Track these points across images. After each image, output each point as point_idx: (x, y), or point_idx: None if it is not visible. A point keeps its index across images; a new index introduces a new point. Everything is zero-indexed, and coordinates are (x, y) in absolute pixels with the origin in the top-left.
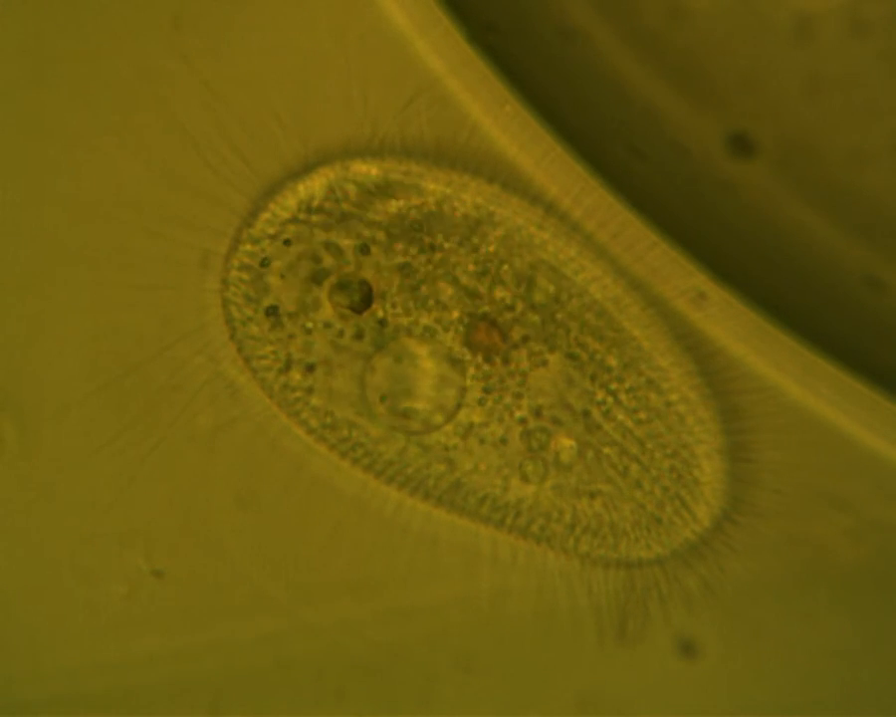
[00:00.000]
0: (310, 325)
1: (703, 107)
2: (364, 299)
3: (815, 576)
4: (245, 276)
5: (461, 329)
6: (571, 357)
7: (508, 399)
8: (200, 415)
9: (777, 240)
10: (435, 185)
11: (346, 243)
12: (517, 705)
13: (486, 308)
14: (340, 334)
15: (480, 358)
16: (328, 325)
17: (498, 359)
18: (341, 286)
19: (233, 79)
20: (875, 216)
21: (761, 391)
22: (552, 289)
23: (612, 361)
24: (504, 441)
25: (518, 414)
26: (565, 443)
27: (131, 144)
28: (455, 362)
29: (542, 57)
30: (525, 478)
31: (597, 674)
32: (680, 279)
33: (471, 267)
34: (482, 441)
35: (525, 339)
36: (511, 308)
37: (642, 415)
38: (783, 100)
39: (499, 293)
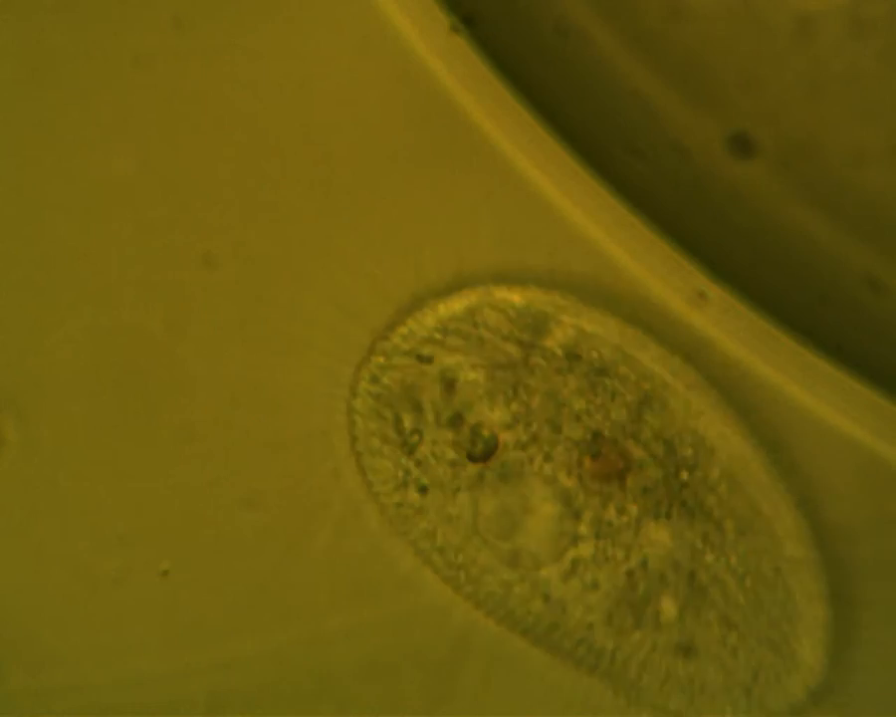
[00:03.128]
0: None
1: (703, 107)
2: (487, 453)
3: None
4: (373, 388)
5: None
6: (687, 512)
7: (617, 550)
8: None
9: (777, 240)
10: (576, 320)
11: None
12: None
13: (580, 434)
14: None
15: (605, 486)
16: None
17: (619, 482)
18: (472, 431)
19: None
20: (875, 216)
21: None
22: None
23: (728, 524)
24: (605, 589)
25: (625, 567)
26: (667, 605)
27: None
28: (569, 502)
29: (541, 57)
30: (615, 623)
31: None
32: (680, 279)
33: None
34: (584, 584)
35: (645, 490)
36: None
37: (749, 582)
38: (783, 100)
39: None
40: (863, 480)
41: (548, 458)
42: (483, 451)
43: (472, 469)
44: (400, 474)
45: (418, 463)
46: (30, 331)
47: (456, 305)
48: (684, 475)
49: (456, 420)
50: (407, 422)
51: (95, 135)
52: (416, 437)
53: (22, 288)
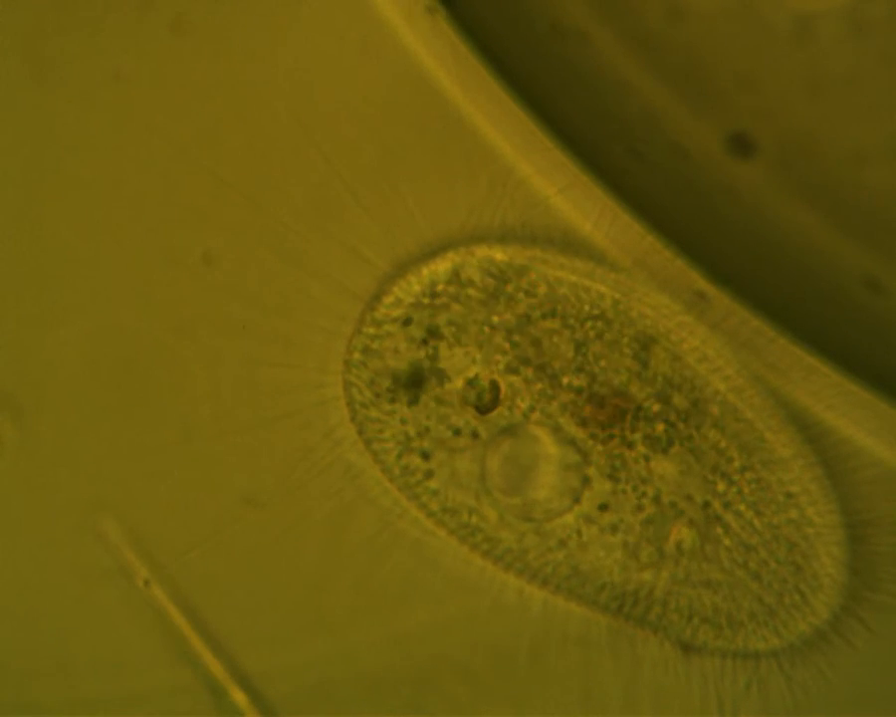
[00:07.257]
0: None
1: (703, 107)
2: (492, 403)
3: None
4: (366, 359)
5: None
6: (692, 448)
7: (629, 488)
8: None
9: (776, 240)
10: (562, 273)
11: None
12: None
13: (578, 382)
14: (457, 432)
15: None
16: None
17: (622, 422)
18: (471, 384)
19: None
20: (875, 216)
21: (878, 480)
22: (669, 372)
23: (734, 452)
24: (623, 529)
25: (637, 502)
26: (686, 533)
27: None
28: (576, 447)
29: (540, 57)
30: (638, 560)
31: None
32: (679, 280)
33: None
34: (600, 529)
35: (648, 427)
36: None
37: (763, 507)
38: (783, 100)
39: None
40: (862, 481)
41: (549, 406)
42: (489, 402)
43: (474, 427)
44: (403, 440)
45: (421, 428)
46: (29, 330)
47: (440, 267)
48: (685, 409)
49: (455, 378)
50: (403, 388)
51: (94, 135)
52: (417, 401)
53: (22, 288)
